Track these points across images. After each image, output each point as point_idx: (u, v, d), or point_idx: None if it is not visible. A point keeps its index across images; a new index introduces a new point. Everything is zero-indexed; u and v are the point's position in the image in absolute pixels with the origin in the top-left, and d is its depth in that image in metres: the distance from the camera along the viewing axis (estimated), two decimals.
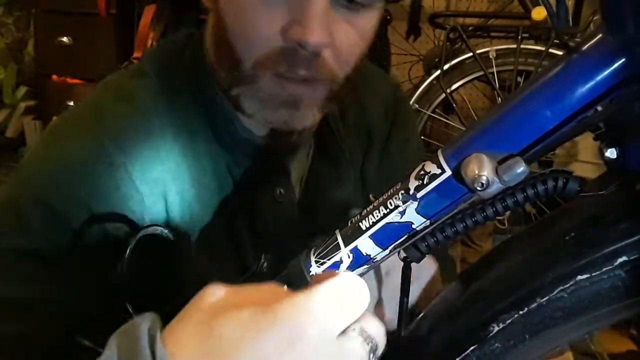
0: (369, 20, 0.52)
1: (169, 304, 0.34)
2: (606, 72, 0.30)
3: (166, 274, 0.55)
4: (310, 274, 0.40)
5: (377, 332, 0.33)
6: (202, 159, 0.56)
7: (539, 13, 1.50)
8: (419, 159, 0.75)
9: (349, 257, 0.39)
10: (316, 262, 0.40)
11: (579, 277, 0.34)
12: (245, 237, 0.58)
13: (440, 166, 0.34)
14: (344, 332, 0.32)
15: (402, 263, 0.46)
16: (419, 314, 0.45)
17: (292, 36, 0.47)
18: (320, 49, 0.48)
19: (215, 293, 0.32)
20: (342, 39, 0.50)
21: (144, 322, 0.30)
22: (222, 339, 0.30)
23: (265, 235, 0.59)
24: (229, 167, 0.57)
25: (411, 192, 0.36)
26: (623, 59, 0.30)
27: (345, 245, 0.39)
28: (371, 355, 0.32)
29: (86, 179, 0.51)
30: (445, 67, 1.56)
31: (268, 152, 0.59)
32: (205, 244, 0.56)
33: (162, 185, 0.54)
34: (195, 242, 0.56)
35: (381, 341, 0.33)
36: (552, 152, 1.54)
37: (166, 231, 0.48)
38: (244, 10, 0.49)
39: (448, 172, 0.34)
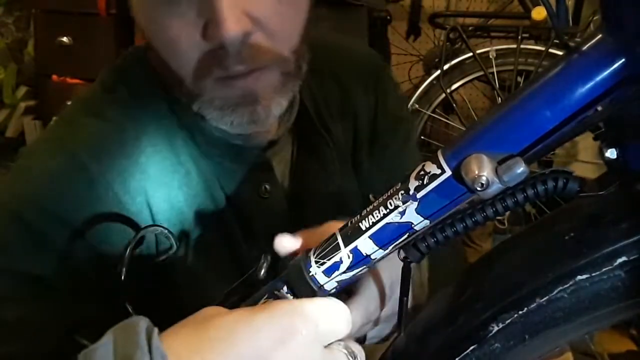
0: None
1: (166, 308, 0.35)
2: (606, 72, 0.30)
3: (161, 278, 0.54)
4: (310, 274, 0.40)
5: (360, 352, 0.37)
6: (185, 163, 0.55)
7: (539, 13, 1.50)
8: (409, 130, 0.72)
9: (348, 257, 0.39)
10: (316, 262, 0.40)
11: (579, 277, 0.34)
12: (239, 237, 0.58)
13: (440, 166, 0.34)
14: (330, 346, 0.35)
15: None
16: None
17: (211, 38, 0.45)
18: (244, 39, 0.45)
19: (213, 308, 0.34)
20: (268, 16, 0.47)
21: (142, 320, 0.31)
22: (218, 332, 0.31)
23: (256, 233, 0.59)
24: (212, 169, 0.56)
25: (411, 192, 0.36)
26: (623, 59, 0.30)
27: (345, 246, 0.39)
28: None
29: (62, 194, 0.50)
30: (445, 67, 1.57)
31: (246, 149, 0.58)
32: (201, 248, 0.56)
33: (144, 194, 0.53)
34: (191, 247, 0.56)
35: (362, 356, 0.37)
36: (552, 152, 1.54)
37: (166, 231, 0.48)
38: (162, 30, 0.48)
39: (448, 173, 0.34)
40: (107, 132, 0.53)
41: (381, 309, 0.47)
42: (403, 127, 0.70)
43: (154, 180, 0.54)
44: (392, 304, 0.47)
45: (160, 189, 0.54)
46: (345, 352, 0.36)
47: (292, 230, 0.45)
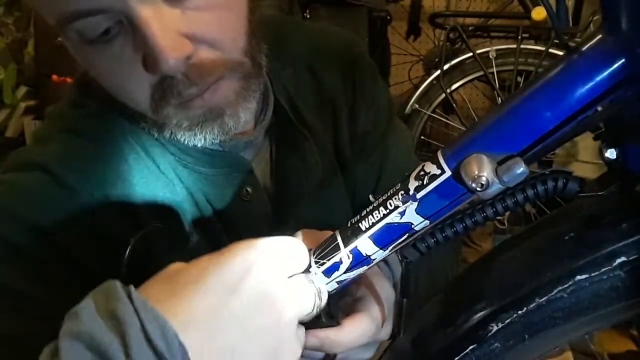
0: None
1: None
2: (606, 73, 0.30)
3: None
4: (310, 274, 0.40)
5: (324, 291, 0.40)
6: (166, 171, 0.55)
7: (539, 13, 1.50)
8: (391, 115, 0.71)
9: (348, 257, 0.39)
10: (316, 262, 0.40)
11: (578, 278, 0.34)
12: (226, 242, 0.57)
13: (440, 167, 0.34)
14: (296, 276, 0.38)
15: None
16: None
17: (153, 70, 0.44)
18: (186, 61, 0.44)
19: (178, 263, 0.37)
20: (205, 29, 0.44)
21: (116, 281, 0.33)
22: (188, 278, 0.34)
23: (242, 237, 0.58)
24: (192, 176, 0.56)
25: (411, 192, 0.36)
26: (623, 60, 0.30)
27: (345, 246, 0.39)
28: (316, 298, 0.39)
29: (39, 204, 0.49)
30: (445, 67, 1.56)
31: (224, 154, 0.56)
32: (191, 256, 0.55)
33: (130, 202, 0.53)
34: (181, 255, 0.55)
35: (324, 290, 0.40)
36: (552, 152, 1.54)
37: (166, 231, 0.48)
38: (108, 77, 0.47)
39: (448, 173, 0.34)
40: (82, 144, 0.53)
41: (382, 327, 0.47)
42: (384, 113, 0.68)
43: (139, 188, 0.53)
44: (387, 326, 0.48)
45: (146, 196, 0.53)
46: (307, 280, 0.39)
47: (277, 230, 0.45)
